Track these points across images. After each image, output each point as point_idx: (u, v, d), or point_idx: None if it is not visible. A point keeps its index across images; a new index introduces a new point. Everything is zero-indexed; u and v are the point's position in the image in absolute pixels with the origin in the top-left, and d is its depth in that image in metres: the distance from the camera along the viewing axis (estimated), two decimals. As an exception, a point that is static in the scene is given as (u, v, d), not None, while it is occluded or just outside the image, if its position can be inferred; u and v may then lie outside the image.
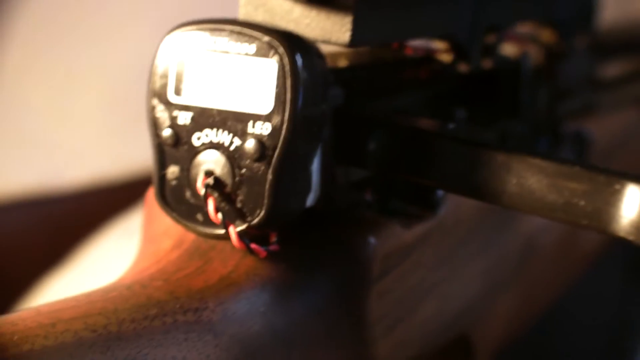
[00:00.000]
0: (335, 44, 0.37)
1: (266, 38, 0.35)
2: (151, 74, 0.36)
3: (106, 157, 0.86)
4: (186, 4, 0.82)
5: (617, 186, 0.34)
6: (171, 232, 0.38)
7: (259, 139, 0.35)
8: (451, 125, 0.40)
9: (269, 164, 0.35)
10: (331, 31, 0.37)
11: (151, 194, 0.40)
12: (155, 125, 0.36)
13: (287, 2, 0.37)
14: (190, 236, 0.38)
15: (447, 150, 0.37)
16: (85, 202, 0.85)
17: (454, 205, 0.43)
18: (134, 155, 0.86)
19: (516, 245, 0.50)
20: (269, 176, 0.35)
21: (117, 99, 0.85)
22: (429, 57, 0.46)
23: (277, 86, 0.35)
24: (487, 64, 0.48)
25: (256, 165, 0.35)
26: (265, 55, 0.35)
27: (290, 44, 0.35)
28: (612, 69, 0.64)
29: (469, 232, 0.45)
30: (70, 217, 0.82)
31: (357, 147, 0.39)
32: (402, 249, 0.40)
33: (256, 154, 0.35)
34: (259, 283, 0.36)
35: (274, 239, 0.37)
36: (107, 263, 0.68)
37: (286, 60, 0.34)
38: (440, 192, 0.41)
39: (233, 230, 0.35)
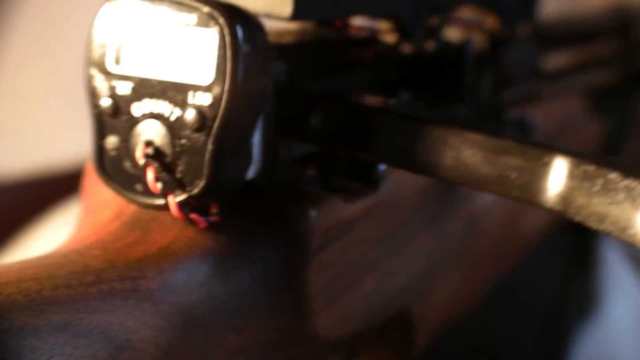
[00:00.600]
0: (277, 17, 0.37)
1: (206, 9, 0.35)
2: (89, 43, 0.36)
3: (52, 144, 0.85)
4: None
5: (546, 159, 0.35)
6: (111, 203, 0.38)
7: (199, 110, 0.35)
8: (392, 102, 0.40)
9: (208, 134, 0.35)
10: (273, 4, 0.37)
11: (91, 165, 0.40)
12: (93, 94, 0.36)
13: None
14: (131, 208, 0.38)
15: (388, 124, 0.38)
16: (28, 191, 0.84)
17: (396, 183, 0.43)
18: (83, 143, 0.85)
19: (459, 225, 0.50)
20: (209, 146, 0.35)
21: (65, 86, 0.84)
22: (373, 37, 0.46)
23: (218, 57, 0.35)
24: (430, 47, 0.49)
25: (196, 135, 0.35)
26: (206, 25, 0.35)
27: (231, 15, 0.35)
28: (556, 60, 0.64)
29: (412, 210, 0.45)
30: (14, 207, 0.82)
31: (300, 122, 0.39)
32: (342, 223, 0.40)
33: (196, 124, 0.35)
34: (199, 254, 0.36)
35: (214, 210, 0.37)
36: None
37: (227, 31, 0.34)
38: (382, 168, 0.42)
39: (172, 200, 0.35)
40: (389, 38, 0.46)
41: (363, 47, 0.45)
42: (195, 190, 0.35)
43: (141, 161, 0.35)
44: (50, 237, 0.70)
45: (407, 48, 0.46)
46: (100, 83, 0.36)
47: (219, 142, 0.35)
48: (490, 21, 0.54)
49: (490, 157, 0.36)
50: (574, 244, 0.63)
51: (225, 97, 0.35)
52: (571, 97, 0.65)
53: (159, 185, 0.35)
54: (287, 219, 0.38)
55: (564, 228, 0.63)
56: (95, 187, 0.39)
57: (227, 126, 0.35)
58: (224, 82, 0.35)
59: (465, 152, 0.36)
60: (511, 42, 0.55)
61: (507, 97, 0.55)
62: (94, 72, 0.36)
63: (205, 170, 0.35)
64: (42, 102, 0.82)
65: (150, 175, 0.35)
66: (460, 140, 0.36)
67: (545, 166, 0.35)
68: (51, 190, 0.83)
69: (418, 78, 0.48)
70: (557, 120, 0.63)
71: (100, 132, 0.36)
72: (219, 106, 0.35)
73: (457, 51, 0.49)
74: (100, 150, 0.36)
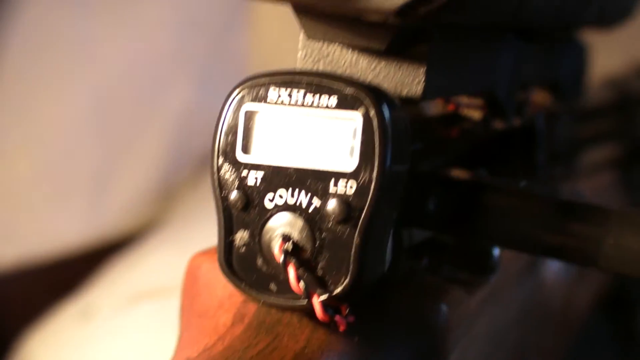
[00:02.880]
0: (407, 96, 0.35)
1: (349, 90, 0.32)
2: (216, 131, 0.33)
3: (36, 234, 0.81)
4: None
5: None
6: (227, 304, 0.35)
7: (343, 199, 0.32)
8: (523, 183, 0.38)
9: (355, 226, 0.32)
10: (402, 83, 0.34)
11: (195, 264, 0.36)
12: (221, 186, 0.33)
13: (352, 52, 0.35)
14: (250, 308, 0.34)
15: (526, 207, 0.35)
16: (11, 286, 0.79)
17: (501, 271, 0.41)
18: (66, 232, 0.81)
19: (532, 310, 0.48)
20: (356, 240, 0.32)
21: (48, 170, 0.80)
22: (457, 113, 0.44)
23: (363, 141, 0.32)
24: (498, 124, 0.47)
25: (340, 227, 0.32)
26: (349, 107, 0.32)
27: (377, 95, 0.32)
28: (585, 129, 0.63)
29: (511, 299, 0.43)
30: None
31: (418, 207, 0.36)
32: (467, 316, 0.37)
33: (340, 215, 0.32)
34: (335, 357, 0.33)
35: (346, 309, 0.34)
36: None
37: (373, 113, 0.32)
38: (497, 255, 0.39)
39: (317, 301, 0.32)
40: (475, 114, 0.44)
41: (451, 125, 0.43)
42: (339, 289, 0.32)
43: (280, 258, 0.32)
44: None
45: (498, 123, 0.44)
46: (229, 174, 0.33)
47: (366, 235, 0.32)
48: (542, 96, 0.53)
49: None
50: (621, 328, 0.61)
51: (373, 184, 0.32)
52: (602, 172, 0.64)
53: (302, 284, 0.32)
54: (420, 315, 0.35)
55: (604, 310, 0.61)
56: (203, 287, 0.36)
57: (374, 216, 0.32)
58: (371, 168, 0.32)
59: (630, 238, 0.33)
60: (562, 117, 0.54)
61: (557, 170, 0.53)
62: (221, 161, 0.33)
63: (351, 267, 0.32)
64: (30, 190, 0.78)
65: (291, 273, 0.32)
66: (625, 224, 0.33)
67: None
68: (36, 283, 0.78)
69: (490, 154, 0.46)
70: (597, 194, 0.62)
71: (229, 227, 0.33)
72: (367, 195, 0.32)
73: (528, 127, 0.47)
74: (228, 247, 0.33)
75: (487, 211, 0.36)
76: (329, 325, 0.33)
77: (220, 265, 0.33)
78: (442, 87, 0.36)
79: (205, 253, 0.37)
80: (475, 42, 0.38)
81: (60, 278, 0.78)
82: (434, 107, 0.43)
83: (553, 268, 0.49)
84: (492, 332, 0.40)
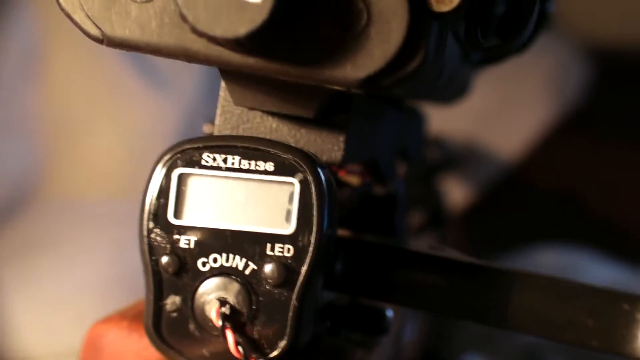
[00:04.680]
0: (327, 162, 0.35)
1: (287, 156, 0.33)
2: (145, 194, 0.33)
3: None
4: None
5: (626, 306, 0.35)
6: None
7: (281, 262, 0.32)
8: (429, 244, 0.39)
9: (292, 289, 0.32)
10: (322, 149, 0.35)
11: (97, 333, 0.35)
12: (151, 251, 0.32)
13: (272, 119, 0.35)
14: None
15: (433, 269, 0.37)
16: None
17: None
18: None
19: None
20: (294, 302, 0.32)
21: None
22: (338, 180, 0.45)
23: (301, 205, 0.32)
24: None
25: (277, 290, 0.32)
26: (286, 173, 0.32)
27: (313, 161, 0.33)
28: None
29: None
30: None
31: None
32: None
33: (278, 278, 0.32)
34: None
35: None
36: None
37: (311, 178, 0.32)
38: (390, 315, 0.40)
39: (256, 366, 0.32)
40: (354, 180, 0.45)
41: None
42: (275, 353, 0.32)
43: (217, 322, 0.32)
44: None
45: (378, 189, 0.45)
46: (160, 238, 0.32)
47: (303, 297, 0.32)
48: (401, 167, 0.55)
49: (560, 303, 0.35)
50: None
51: (312, 247, 0.32)
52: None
53: (241, 349, 0.32)
54: None
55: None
56: (112, 357, 0.35)
57: (311, 279, 0.32)
58: (309, 231, 0.32)
59: (532, 298, 0.35)
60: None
61: None
62: (152, 225, 0.32)
63: (288, 330, 0.32)
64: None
65: (230, 338, 0.32)
66: (526, 285, 0.36)
67: (628, 313, 0.34)
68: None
69: (355, 217, 0.48)
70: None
71: (159, 292, 0.32)
72: (305, 258, 0.32)
73: (390, 194, 0.49)
74: (157, 313, 0.32)
75: (400, 273, 0.37)
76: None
77: (148, 332, 0.33)
78: (353, 154, 0.37)
79: (108, 320, 0.36)
80: (371, 112, 0.39)
81: None
82: None
83: (407, 330, 0.51)
84: None
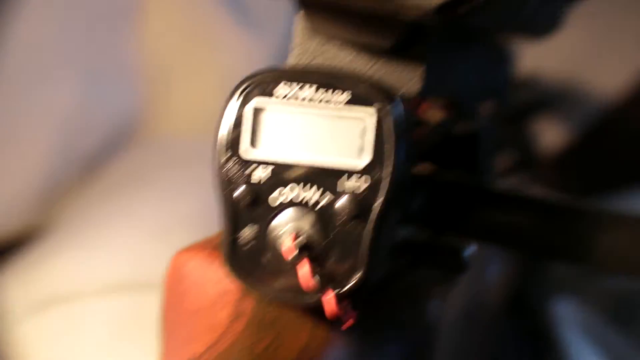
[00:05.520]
0: (404, 94, 0.35)
1: (362, 86, 0.32)
2: (220, 125, 0.32)
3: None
4: None
5: None
6: (220, 302, 0.34)
7: (355, 195, 0.32)
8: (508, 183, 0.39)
9: (366, 222, 0.32)
10: (400, 81, 0.35)
11: (180, 261, 0.36)
12: (225, 183, 0.32)
13: (349, 51, 0.35)
14: (247, 306, 0.34)
15: (517, 206, 0.36)
16: None
17: None
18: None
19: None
20: (367, 235, 0.32)
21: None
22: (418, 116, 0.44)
23: (377, 137, 0.32)
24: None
25: (352, 224, 0.32)
26: (362, 104, 0.32)
27: (389, 93, 0.32)
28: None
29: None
30: None
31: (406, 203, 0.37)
32: (449, 313, 0.38)
33: (352, 211, 0.32)
34: (337, 353, 0.33)
35: (349, 305, 0.34)
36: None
37: (387, 109, 0.32)
38: (468, 255, 0.40)
39: (332, 297, 0.32)
40: (434, 116, 0.44)
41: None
42: (350, 285, 0.32)
43: (292, 253, 0.32)
44: None
45: (461, 126, 0.44)
46: (235, 170, 0.32)
47: (377, 231, 0.32)
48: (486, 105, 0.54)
49: None
50: (527, 327, 0.63)
51: (386, 181, 0.32)
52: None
53: (316, 278, 0.32)
54: (413, 312, 0.36)
55: (512, 312, 0.63)
56: (194, 284, 0.35)
57: (386, 213, 0.32)
58: (385, 164, 0.32)
59: (621, 237, 0.34)
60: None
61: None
62: (227, 157, 0.32)
63: (363, 262, 0.32)
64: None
65: (305, 268, 0.32)
66: (614, 224, 0.35)
67: None
68: None
69: (440, 156, 0.47)
70: None
71: (234, 223, 0.32)
72: (380, 191, 0.32)
73: (476, 132, 0.49)
74: (233, 244, 0.33)
75: (479, 210, 0.36)
76: (328, 321, 0.33)
77: (226, 261, 0.33)
78: (434, 87, 0.36)
79: (190, 250, 0.36)
80: (453, 46, 0.38)
81: None
82: None
83: (490, 270, 0.51)
84: (457, 328, 0.41)
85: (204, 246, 0.35)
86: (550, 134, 0.89)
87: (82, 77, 0.85)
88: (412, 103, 0.42)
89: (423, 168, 0.42)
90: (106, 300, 0.61)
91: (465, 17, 0.29)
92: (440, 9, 0.29)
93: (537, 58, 0.82)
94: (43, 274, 0.68)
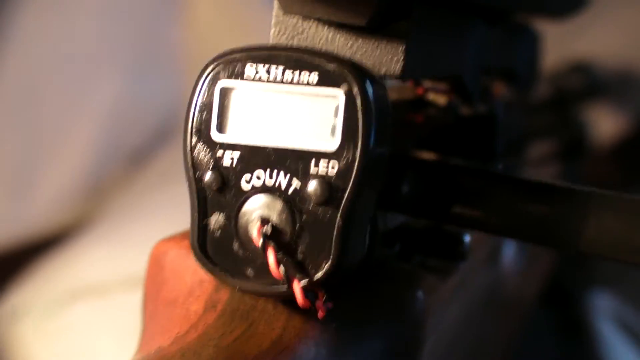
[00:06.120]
0: (385, 75, 0.33)
1: (331, 65, 0.31)
2: (189, 109, 0.31)
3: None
4: None
5: None
6: (197, 292, 0.33)
7: (325, 180, 0.31)
8: (499, 166, 0.37)
9: (337, 207, 0.31)
10: (381, 62, 0.33)
11: (161, 250, 0.35)
12: (194, 167, 0.31)
13: (328, 29, 0.33)
14: (223, 295, 0.33)
15: (504, 190, 0.34)
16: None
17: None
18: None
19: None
20: (338, 222, 0.31)
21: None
22: (422, 99, 0.43)
23: (346, 119, 0.31)
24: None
25: (321, 209, 0.31)
26: (331, 84, 0.31)
27: (360, 72, 0.31)
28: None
29: (478, 285, 0.42)
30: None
31: (392, 190, 0.35)
32: (441, 304, 0.36)
33: (322, 196, 0.31)
34: (312, 345, 0.32)
35: (323, 295, 0.32)
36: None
37: (356, 90, 0.30)
38: (468, 241, 0.38)
39: (298, 286, 0.31)
40: (440, 99, 0.43)
41: (414, 109, 0.42)
42: (320, 274, 0.31)
43: (259, 241, 0.31)
44: None
45: (464, 109, 0.43)
46: (203, 154, 0.31)
47: (348, 217, 0.31)
48: (499, 85, 0.52)
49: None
50: (562, 318, 0.61)
51: (356, 164, 0.30)
52: (547, 163, 0.64)
53: (282, 269, 0.31)
54: (397, 302, 0.34)
55: (548, 303, 0.61)
56: (170, 274, 0.34)
57: (357, 198, 0.31)
58: (355, 147, 0.30)
59: (611, 219, 0.33)
60: (515, 107, 0.53)
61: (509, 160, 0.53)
62: (195, 141, 0.31)
63: (333, 250, 0.31)
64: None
65: (271, 257, 0.31)
66: (606, 206, 0.33)
67: None
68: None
69: (450, 140, 0.45)
70: None
71: (203, 209, 0.31)
72: (350, 175, 0.30)
73: (488, 115, 0.47)
74: (202, 231, 0.32)
75: (466, 194, 0.35)
76: (306, 312, 0.32)
77: (194, 249, 0.32)
78: (418, 68, 0.35)
79: (171, 239, 0.35)
80: (447, 23, 0.37)
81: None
82: (398, 92, 0.42)
83: (508, 257, 0.49)
84: (459, 320, 0.39)
85: (186, 236, 0.35)
86: (605, 123, 0.86)
87: (128, 69, 0.85)
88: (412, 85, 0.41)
89: (425, 154, 0.41)
90: (132, 292, 0.61)
91: None
92: None
93: (592, 41, 0.79)
94: (78, 266, 0.68)
